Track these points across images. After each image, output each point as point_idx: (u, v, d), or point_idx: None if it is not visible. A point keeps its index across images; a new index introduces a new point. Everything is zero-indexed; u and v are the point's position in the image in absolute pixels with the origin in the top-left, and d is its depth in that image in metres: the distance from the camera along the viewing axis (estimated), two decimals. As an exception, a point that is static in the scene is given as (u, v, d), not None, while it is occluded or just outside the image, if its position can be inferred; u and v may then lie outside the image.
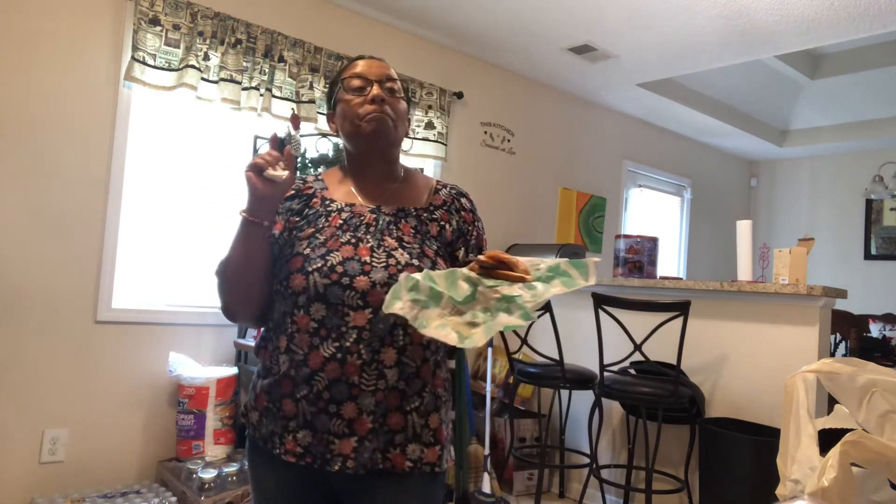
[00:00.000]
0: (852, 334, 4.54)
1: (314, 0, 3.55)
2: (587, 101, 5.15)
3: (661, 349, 2.87)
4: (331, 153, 3.06)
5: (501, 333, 1.00)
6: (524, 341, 3.19)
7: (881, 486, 1.55)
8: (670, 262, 6.07)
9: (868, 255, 6.06)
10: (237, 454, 2.89)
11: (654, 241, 3.55)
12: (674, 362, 2.77)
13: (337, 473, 1.12)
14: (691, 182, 6.19)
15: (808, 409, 1.58)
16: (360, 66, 1.26)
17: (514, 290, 1.00)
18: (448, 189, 1.33)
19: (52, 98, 2.73)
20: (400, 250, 1.17)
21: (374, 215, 1.22)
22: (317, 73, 3.44)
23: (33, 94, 2.69)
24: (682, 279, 3.56)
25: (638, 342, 2.77)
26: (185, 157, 3.16)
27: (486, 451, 3.26)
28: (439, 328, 0.97)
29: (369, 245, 1.17)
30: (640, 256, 3.50)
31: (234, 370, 3.02)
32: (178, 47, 2.94)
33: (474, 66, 4.36)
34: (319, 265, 1.13)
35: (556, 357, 3.03)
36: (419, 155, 3.90)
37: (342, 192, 1.27)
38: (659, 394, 2.74)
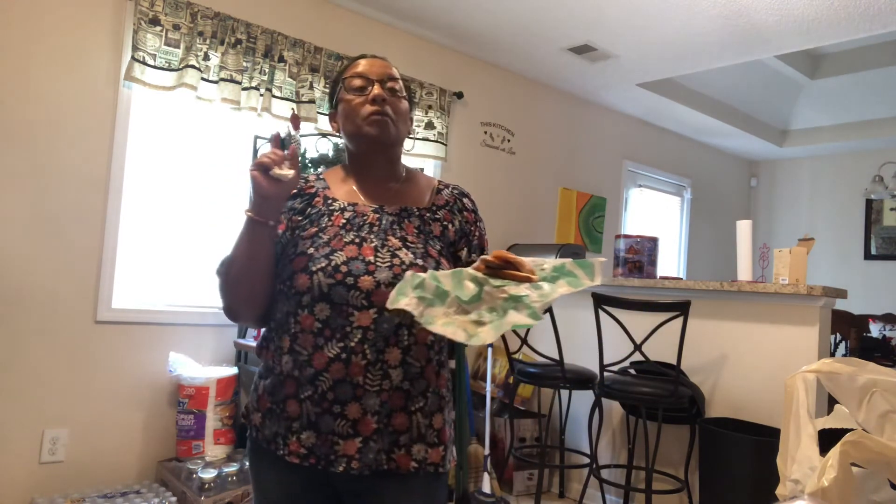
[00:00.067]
0: (852, 334, 4.54)
1: (314, 0, 3.55)
2: (587, 101, 5.15)
3: (661, 349, 2.87)
4: (331, 153, 3.06)
5: (502, 334, 0.99)
6: (524, 341, 3.19)
7: (881, 486, 1.55)
8: (670, 262, 6.07)
9: (868, 255, 6.05)
10: (237, 454, 2.89)
11: (654, 241, 3.55)
12: (674, 362, 2.77)
13: (341, 474, 1.12)
14: (691, 182, 6.19)
15: (808, 409, 1.58)
16: (362, 66, 1.26)
17: (521, 290, 0.99)
18: (450, 189, 1.32)
19: (52, 98, 2.73)
20: (404, 250, 1.17)
21: (378, 215, 1.22)
22: (317, 73, 3.44)
23: (33, 94, 2.69)
24: (682, 279, 3.56)
25: (638, 342, 2.77)
26: (185, 157, 3.16)
27: (486, 451, 3.26)
28: (445, 325, 0.97)
29: (373, 245, 1.16)
30: (640, 256, 3.50)
31: (234, 370, 3.02)
32: (178, 47, 2.94)
33: (474, 66, 4.36)
34: (323, 265, 1.12)
35: (556, 357, 3.03)
36: (419, 155, 3.90)
37: (344, 192, 1.26)
38: (659, 394, 2.74)
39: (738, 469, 2.56)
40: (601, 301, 2.89)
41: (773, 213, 6.77)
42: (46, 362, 2.71)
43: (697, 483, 2.85)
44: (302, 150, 3.09)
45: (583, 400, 3.41)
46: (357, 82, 1.24)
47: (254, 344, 2.97)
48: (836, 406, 1.69)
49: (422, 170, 1.40)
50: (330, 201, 1.24)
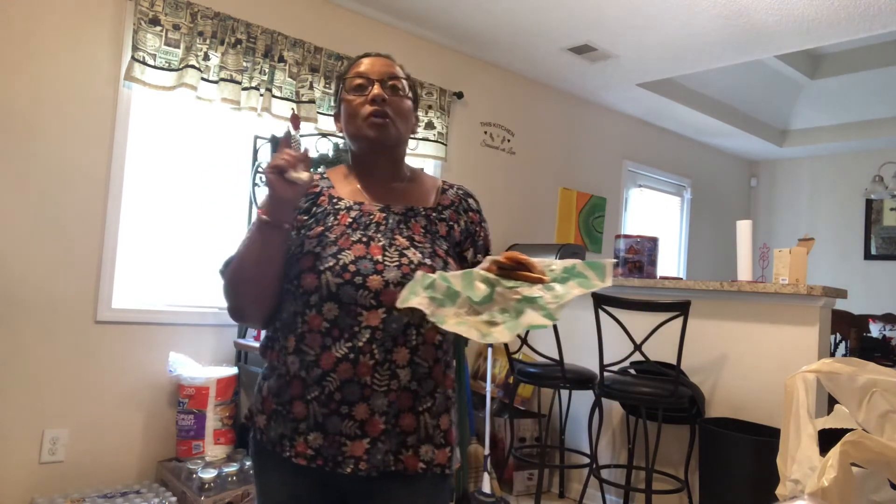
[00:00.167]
0: (852, 334, 4.54)
1: (314, 0, 3.55)
2: (587, 101, 5.15)
3: (661, 349, 2.87)
4: (331, 153, 3.06)
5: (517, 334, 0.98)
6: (524, 341, 3.19)
7: (881, 486, 1.55)
8: (670, 262, 6.07)
9: (868, 255, 6.05)
10: (237, 454, 2.89)
11: (654, 241, 3.55)
12: (674, 362, 2.77)
13: (348, 476, 1.10)
14: (691, 182, 6.19)
15: (808, 409, 1.58)
16: (363, 65, 1.25)
17: (534, 291, 0.99)
18: (455, 189, 1.32)
19: (52, 98, 2.73)
20: (412, 249, 1.16)
21: (384, 214, 1.21)
22: (317, 73, 3.44)
23: (33, 94, 2.69)
24: (682, 279, 3.56)
25: (638, 342, 2.77)
26: (185, 157, 3.16)
27: (486, 451, 3.26)
28: (458, 325, 0.97)
29: (381, 244, 1.15)
30: (640, 256, 3.50)
31: (234, 370, 3.02)
32: (178, 47, 2.94)
33: (474, 66, 4.36)
34: (331, 264, 1.11)
35: (556, 357, 3.03)
36: (419, 155, 3.90)
37: (348, 191, 1.25)
38: (659, 394, 2.74)
39: (738, 469, 2.56)
40: (601, 301, 2.89)
41: (773, 213, 6.77)
42: (46, 362, 2.71)
43: (697, 483, 2.85)
44: (302, 150, 3.08)
45: (583, 400, 3.41)
46: (357, 82, 1.23)
47: (254, 344, 2.98)
48: (836, 406, 1.69)
49: (422, 170, 1.40)
50: (335, 200, 1.23)
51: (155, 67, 2.88)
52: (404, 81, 1.27)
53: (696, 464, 2.86)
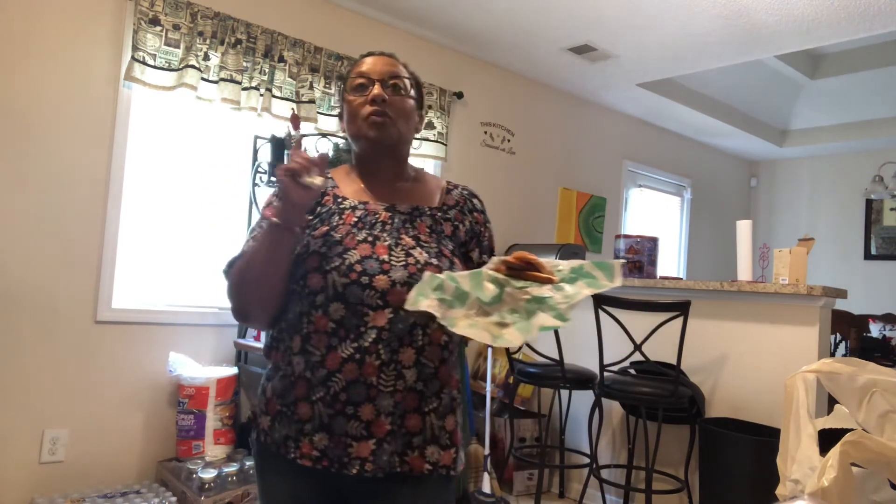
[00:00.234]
0: (852, 334, 4.54)
1: (314, 0, 3.55)
2: (587, 101, 5.15)
3: (661, 349, 2.87)
4: (331, 153, 3.06)
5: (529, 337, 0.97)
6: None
7: (881, 486, 1.55)
8: (670, 262, 6.07)
9: (868, 255, 6.05)
10: (237, 454, 2.89)
11: (654, 241, 3.55)
12: (674, 362, 2.77)
13: (353, 477, 1.09)
14: (691, 182, 6.19)
15: (808, 409, 1.58)
16: (365, 65, 1.24)
17: (544, 291, 0.98)
18: (460, 189, 1.32)
19: (53, 98, 2.73)
20: (418, 249, 1.16)
21: (389, 213, 1.20)
22: (317, 73, 3.44)
23: (33, 95, 2.69)
24: (682, 279, 3.56)
25: (638, 342, 2.77)
26: (185, 157, 3.16)
27: (486, 451, 3.26)
28: (469, 327, 0.96)
29: (387, 243, 1.15)
30: (640, 256, 3.50)
31: (234, 370, 3.02)
32: (178, 47, 2.94)
33: (474, 66, 4.36)
34: (337, 264, 1.11)
35: (556, 357, 3.03)
36: (419, 155, 3.90)
37: (353, 190, 1.25)
38: (659, 394, 2.74)
39: (738, 469, 2.56)
40: (601, 301, 2.89)
41: (773, 213, 6.77)
42: (46, 362, 2.71)
43: (697, 483, 2.85)
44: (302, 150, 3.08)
45: (583, 400, 3.41)
46: (358, 82, 1.23)
47: (254, 344, 2.98)
48: (836, 406, 1.69)
49: (422, 169, 1.39)
50: (340, 200, 1.22)
51: (155, 67, 2.88)
52: (406, 80, 1.26)
53: (696, 464, 2.86)
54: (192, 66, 2.96)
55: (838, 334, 4.57)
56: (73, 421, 2.77)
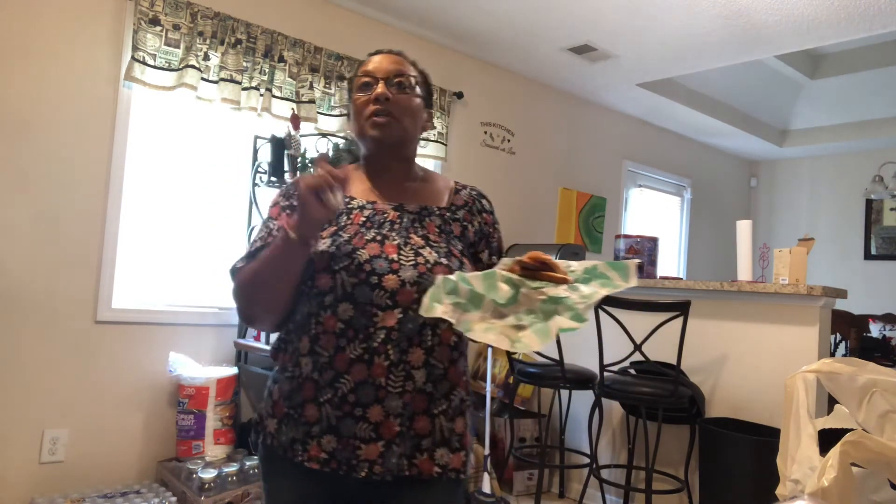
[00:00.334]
0: (852, 334, 4.54)
1: (314, 0, 3.55)
2: (587, 101, 5.15)
3: (661, 349, 2.87)
4: (331, 153, 3.06)
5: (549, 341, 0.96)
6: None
7: (881, 486, 1.55)
8: (670, 262, 6.07)
9: (868, 255, 6.05)
10: (237, 454, 2.88)
11: (654, 241, 3.55)
12: (674, 362, 2.77)
13: (362, 480, 1.08)
14: (691, 182, 6.19)
15: (808, 409, 1.58)
16: (370, 64, 1.23)
17: (560, 291, 0.97)
18: (468, 190, 1.31)
19: (52, 98, 2.73)
20: (427, 248, 1.14)
21: (398, 213, 1.19)
22: (317, 73, 3.44)
23: (33, 94, 2.69)
24: (682, 279, 3.56)
25: (638, 342, 2.77)
26: (185, 157, 3.16)
27: (486, 451, 3.26)
28: (486, 332, 0.94)
29: (396, 242, 1.13)
30: (640, 256, 3.50)
31: (234, 370, 3.02)
32: (178, 47, 2.94)
33: (474, 66, 4.36)
34: (346, 263, 1.09)
35: (556, 357, 3.03)
36: (419, 155, 3.90)
37: (360, 190, 1.23)
38: (659, 394, 2.74)
39: (738, 469, 2.56)
40: (601, 301, 2.89)
41: (773, 213, 6.77)
42: (46, 362, 2.71)
43: (697, 483, 2.85)
44: (302, 150, 3.09)
45: (583, 400, 3.41)
46: (363, 80, 1.22)
47: (254, 344, 2.98)
48: (836, 406, 1.69)
49: (430, 170, 1.38)
50: (347, 199, 1.20)
51: (155, 67, 2.88)
52: (412, 78, 1.24)
53: (696, 464, 2.86)
54: (192, 66, 2.96)
55: (838, 334, 4.57)
56: (73, 421, 2.77)
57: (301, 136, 3.11)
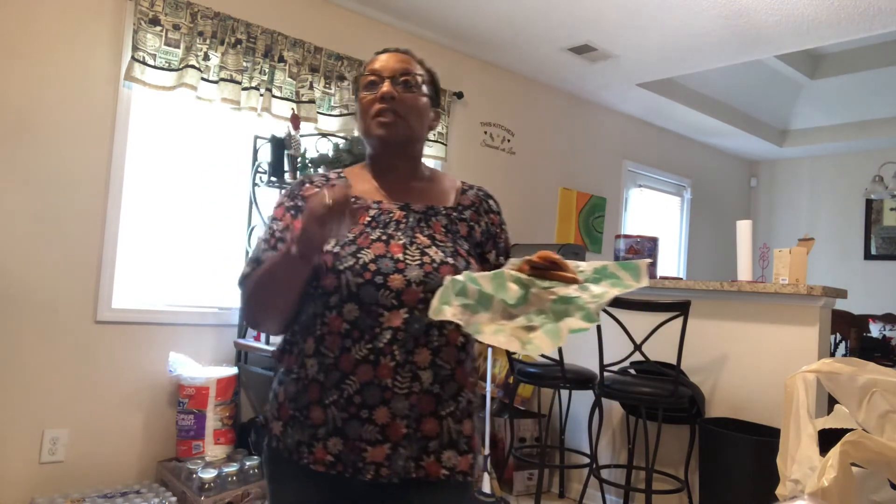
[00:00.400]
0: (852, 334, 4.54)
1: (314, 0, 3.55)
2: (587, 101, 5.15)
3: (661, 349, 2.87)
4: (331, 153, 3.06)
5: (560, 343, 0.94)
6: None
7: (881, 486, 1.55)
8: (670, 262, 6.07)
9: (868, 255, 6.05)
10: (237, 454, 2.88)
11: (654, 241, 3.55)
12: (674, 362, 2.77)
13: (368, 483, 1.07)
14: (691, 182, 6.19)
15: (808, 409, 1.58)
16: (377, 62, 1.22)
17: (571, 291, 0.95)
18: (475, 190, 1.30)
19: (53, 98, 2.73)
20: (434, 248, 1.14)
21: (404, 212, 1.18)
22: (317, 73, 3.44)
23: (33, 95, 2.69)
24: (682, 279, 3.56)
25: (638, 342, 2.77)
26: (185, 157, 3.16)
27: (486, 451, 3.26)
28: (496, 334, 0.92)
29: (401, 242, 1.13)
30: (640, 256, 3.50)
31: (234, 370, 3.02)
32: (178, 47, 2.94)
33: (474, 66, 4.36)
34: (351, 263, 1.08)
35: (556, 357, 3.03)
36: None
37: (366, 190, 1.22)
38: (659, 394, 2.74)
39: (738, 469, 2.56)
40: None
41: (773, 213, 6.77)
42: (46, 362, 2.71)
43: (697, 483, 2.85)
44: (302, 150, 3.09)
45: (583, 400, 3.41)
46: (369, 79, 1.21)
47: (254, 344, 2.97)
48: (836, 406, 1.69)
49: (436, 169, 1.37)
50: (353, 199, 1.20)
51: (155, 67, 2.88)
52: (419, 77, 1.23)
53: (696, 464, 2.86)
54: (192, 66, 2.96)
55: (838, 334, 4.57)
56: (73, 421, 2.77)
57: (301, 136, 3.11)
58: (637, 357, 2.84)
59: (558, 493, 3.59)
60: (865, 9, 3.35)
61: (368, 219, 1.16)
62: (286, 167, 3.05)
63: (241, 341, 3.10)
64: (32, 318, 2.68)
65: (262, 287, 1.12)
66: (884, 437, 1.44)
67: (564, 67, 4.45)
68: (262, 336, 2.99)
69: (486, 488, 3.14)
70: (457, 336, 1.12)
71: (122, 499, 2.59)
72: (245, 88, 3.15)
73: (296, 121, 3.10)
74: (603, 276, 0.99)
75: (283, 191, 1.27)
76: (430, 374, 1.09)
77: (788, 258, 2.86)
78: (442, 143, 4.02)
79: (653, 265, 3.51)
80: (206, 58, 3.03)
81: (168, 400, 3.01)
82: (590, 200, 5.14)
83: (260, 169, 3.20)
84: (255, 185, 3.21)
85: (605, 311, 2.88)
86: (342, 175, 1.27)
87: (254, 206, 3.19)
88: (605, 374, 2.92)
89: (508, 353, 3.27)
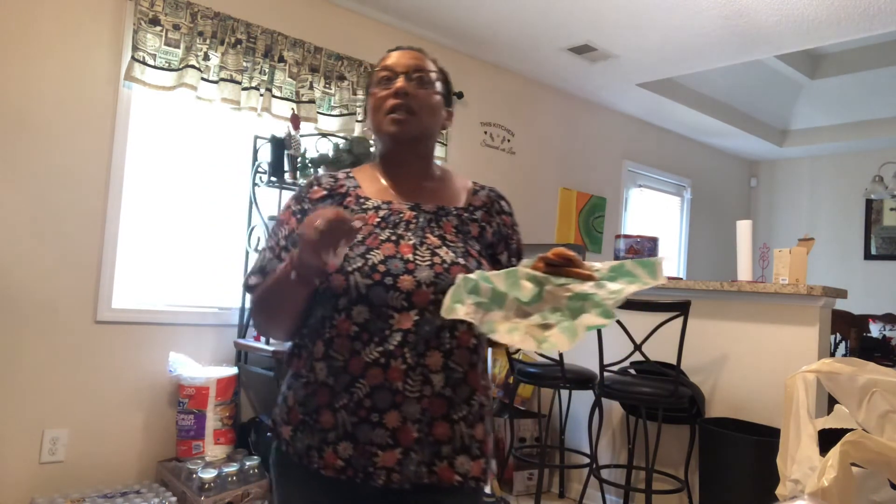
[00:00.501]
0: (852, 334, 4.54)
1: (314, 0, 3.55)
2: (587, 101, 5.15)
3: (661, 349, 2.87)
4: (331, 153, 3.06)
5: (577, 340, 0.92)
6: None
7: (881, 486, 1.55)
8: (670, 262, 6.07)
9: (868, 255, 6.05)
10: (237, 454, 2.88)
11: (654, 241, 3.55)
12: (674, 362, 2.77)
13: (379, 489, 1.05)
14: (691, 182, 6.19)
15: (808, 409, 1.58)
16: (389, 59, 1.21)
17: (587, 287, 0.94)
18: (487, 190, 1.28)
19: (52, 98, 2.73)
20: (444, 248, 1.11)
21: (414, 212, 1.16)
22: (317, 73, 3.44)
23: (33, 95, 2.69)
24: (682, 279, 3.56)
25: (638, 342, 2.77)
26: (185, 157, 3.16)
27: (486, 451, 3.25)
28: (510, 332, 0.91)
29: (411, 242, 1.11)
30: (641, 256, 3.50)
31: (234, 370, 3.02)
32: (178, 47, 2.94)
33: (474, 66, 4.36)
34: (360, 265, 1.06)
35: (556, 357, 3.03)
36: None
37: (376, 190, 1.20)
38: (659, 394, 2.74)
39: (738, 469, 2.56)
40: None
41: (773, 213, 6.77)
42: (46, 362, 2.71)
43: (697, 483, 2.85)
44: (302, 150, 3.09)
45: (583, 400, 3.41)
46: (382, 75, 1.19)
47: (254, 344, 2.97)
48: (836, 406, 1.69)
49: (448, 169, 1.36)
50: (362, 200, 1.18)
51: (155, 67, 2.88)
52: (433, 74, 1.22)
53: (696, 464, 2.86)
54: (192, 66, 2.96)
55: (838, 334, 4.57)
56: (73, 421, 2.77)
57: (301, 136, 3.11)
58: (637, 357, 2.84)
59: (558, 493, 3.59)
60: (865, 9, 3.35)
61: (378, 219, 1.14)
62: (286, 167, 3.05)
63: (241, 341, 3.10)
64: (32, 318, 2.68)
65: (266, 302, 1.12)
66: (884, 437, 1.44)
67: (564, 67, 4.45)
68: (262, 336, 2.99)
69: (487, 488, 3.14)
70: (469, 338, 1.10)
71: (122, 499, 2.59)
72: (245, 88, 3.15)
73: (296, 121, 3.10)
74: (619, 274, 0.97)
75: (293, 194, 1.25)
76: (441, 377, 1.07)
77: (788, 258, 2.86)
78: (442, 143, 4.02)
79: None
80: (206, 58, 3.03)
81: (168, 400, 3.01)
82: (590, 200, 5.14)
83: (260, 169, 3.20)
84: (255, 185, 3.21)
85: (605, 311, 2.88)
86: (351, 175, 1.24)
87: (254, 206, 3.19)
88: (605, 374, 2.92)
89: (508, 353, 3.27)
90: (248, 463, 2.76)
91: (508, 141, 4.55)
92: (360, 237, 1.11)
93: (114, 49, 2.88)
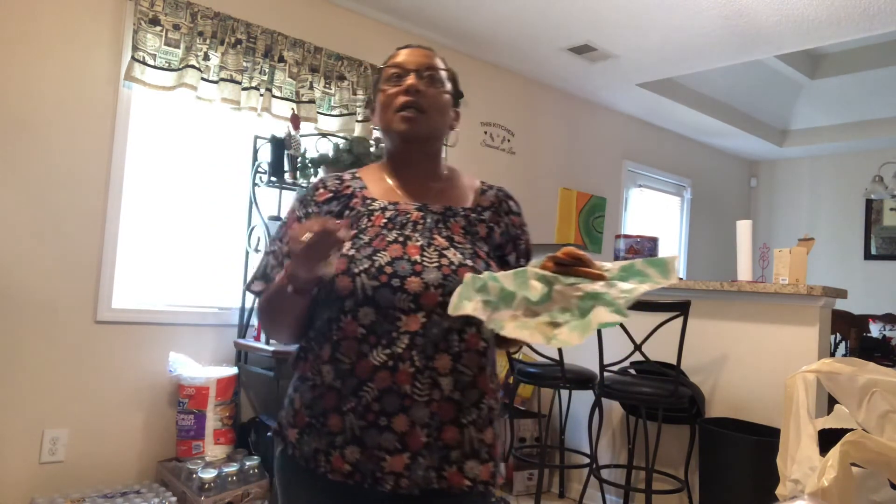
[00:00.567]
0: (852, 334, 4.54)
1: (314, 0, 3.55)
2: (587, 101, 5.15)
3: (661, 349, 2.87)
4: (331, 153, 3.06)
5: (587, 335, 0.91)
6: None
7: (881, 486, 1.55)
8: (670, 262, 6.06)
9: (868, 255, 6.05)
10: (237, 454, 2.88)
11: (654, 241, 3.55)
12: (674, 362, 2.77)
13: (387, 494, 1.04)
14: (691, 182, 6.19)
15: (808, 409, 1.58)
16: (400, 56, 1.20)
17: (597, 287, 0.92)
18: (495, 191, 1.27)
19: (52, 98, 2.73)
20: (452, 250, 1.10)
21: (421, 213, 1.14)
22: (317, 73, 3.44)
23: (33, 94, 2.69)
24: (682, 279, 3.56)
25: (638, 342, 2.77)
26: (185, 157, 3.16)
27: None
28: (519, 328, 0.90)
29: (419, 244, 1.09)
30: (641, 256, 3.50)
31: (234, 370, 3.02)
32: (178, 47, 2.94)
33: (474, 66, 4.36)
34: (366, 266, 1.05)
35: (556, 357, 3.03)
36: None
37: (382, 190, 1.19)
38: (659, 394, 2.74)
39: (738, 469, 2.56)
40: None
41: (773, 213, 6.77)
42: (46, 362, 2.71)
43: (697, 483, 2.85)
44: (302, 150, 3.09)
45: (583, 400, 3.41)
46: (392, 72, 1.18)
47: (254, 344, 2.97)
48: (836, 406, 1.69)
49: (455, 169, 1.35)
50: (369, 201, 1.16)
51: (155, 67, 2.88)
52: (443, 73, 1.21)
53: (696, 464, 2.86)
54: (192, 66, 2.96)
55: (838, 334, 4.57)
56: (73, 421, 2.77)
57: (301, 136, 3.11)
58: (637, 357, 2.84)
59: (558, 493, 3.59)
60: (865, 9, 3.35)
61: (384, 220, 1.13)
62: (286, 167, 3.05)
63: (241, 341, 3.10)
64: (32, 318, 2.68)
65: (269, 309, 1.12)
66: (884, 437, 1.44)
67: (564, 67, 4.45)
68: (262, 336, 2.99)
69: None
70: (477, 341, 1.09)
71: (122, 499, 2.59)
72: (245, 88, 3.15)
73: (296, 121, 3.10)
74: (630, 274, 0.96)
75: (297, 196, 1.24)
76: (450, 380, 1.05)
77: (788, 258, 2.86)
78: (443, 143, 4.02)
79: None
80: (206, 58, 3.03)
81: (168, 400, 3.01)
82: (590, 200, 5.14)
83: (260, 169, 3.20)
84: (255, 185, 3.21)
85: (605, 311, 2.88)
86: (357, 175, 1.23)
87: (254, 206, 3.19)
88: (605, 374, 2.92)
89: (508, 353, 3.27)
90: (248, 463, 2.76)
91: (508, 141, 4.55)
92: (366, 238, 1.09)
93: (114, 49, 2.88)
